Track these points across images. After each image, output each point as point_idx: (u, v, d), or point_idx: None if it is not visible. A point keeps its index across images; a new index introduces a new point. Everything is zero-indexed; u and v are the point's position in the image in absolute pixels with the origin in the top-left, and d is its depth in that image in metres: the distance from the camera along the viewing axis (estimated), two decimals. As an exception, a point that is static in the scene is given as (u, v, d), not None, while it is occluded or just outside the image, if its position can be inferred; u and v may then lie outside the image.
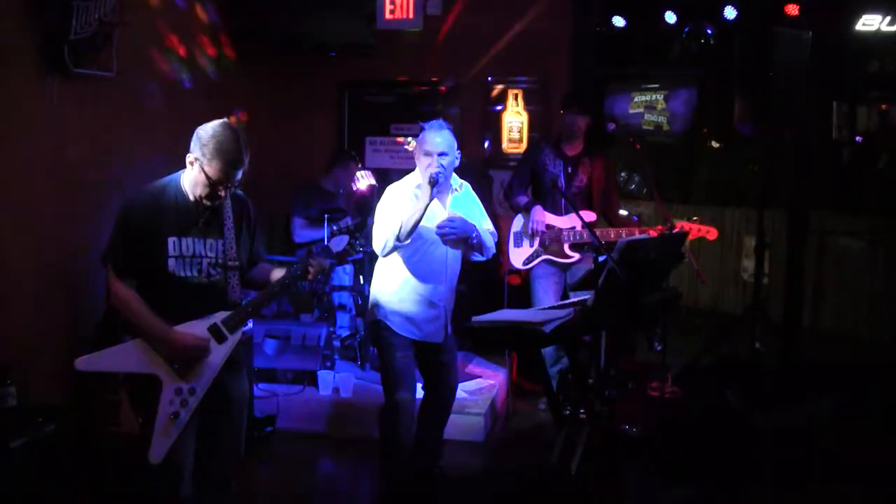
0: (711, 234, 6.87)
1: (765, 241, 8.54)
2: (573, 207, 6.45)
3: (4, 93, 5.61)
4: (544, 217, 7.01)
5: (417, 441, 5.67)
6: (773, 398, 7.68)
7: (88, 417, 5.89)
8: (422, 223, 5.19)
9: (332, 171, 8.49)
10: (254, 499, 5.85)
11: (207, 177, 4.01)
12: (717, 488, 5.79)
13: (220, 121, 4.08)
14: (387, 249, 5.28)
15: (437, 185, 5.16)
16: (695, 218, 6.93)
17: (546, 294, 7.04)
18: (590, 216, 6.95)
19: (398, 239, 5.18)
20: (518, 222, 7.22)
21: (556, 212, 7.04)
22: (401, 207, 5.26)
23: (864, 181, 10.77)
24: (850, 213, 10.19)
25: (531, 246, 7.08)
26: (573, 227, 6.95)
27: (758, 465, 6.18)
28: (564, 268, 7.11)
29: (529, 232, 7.02)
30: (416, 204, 5.20)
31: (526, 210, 7.10)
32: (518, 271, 7.39)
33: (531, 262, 7.08)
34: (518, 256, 7.15)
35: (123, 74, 6.39)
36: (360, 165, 8.76)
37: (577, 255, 7.00)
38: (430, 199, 5.18)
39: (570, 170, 7.11)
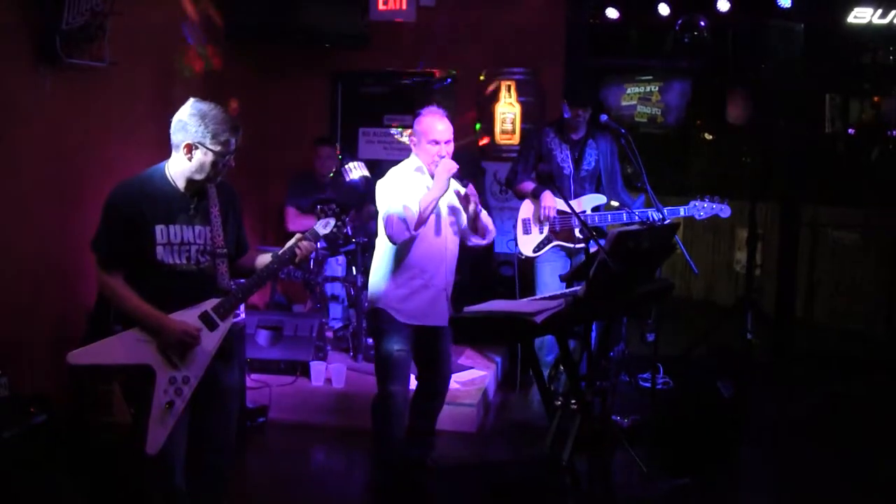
0: (725, 211, 6.90)
1: (757, 233, 8.57)
2: (561, 193, 6.45)
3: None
4: (555, 203, 6.94)
5: (410, 431, 5.70)
6: (766, 390, 7.71)
7: (81, 408, 5.90)
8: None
9: (314, 160, 8.60)
10: (246, 489, 5.86)
11: (215, 154, 4.02)
12: (708, 479, 5.80)
13: (193, 101, 4.08)
14: (399, 238, 5.28)
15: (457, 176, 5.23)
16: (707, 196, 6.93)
17: (553, 279, 6.94)
18: (599, 199, 6.97)
19: (413, 229, 5.22)
20: (526, 209, 7.15)
21: (565, 197, 6.80)
22: (405, 194, 5.29)
23: (857, 173, 10.77)
24: (843, 205, 10.20)
25: (540, 232, 7.04)
26: (583, 212, 6.87)
27: (749, 457, 6.20)
28: (572, 253, 7.07)
29: (541, 218, 6.96)
30: (428, 196, 5.25)
31: (535, 196, 7.05)
32: (511, 262, 7.35)
33: (541, 248, 7.04)
34: (527, 244, 7.09)
35: (116, 65, 6.38)
36: (336, 149, 8.84)
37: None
38: (444, 191, 5.23)
39: (577, 154, 7.09)
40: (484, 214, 5.50)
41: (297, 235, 4.43)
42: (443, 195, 5.26)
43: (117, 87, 6.69)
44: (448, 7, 9.23)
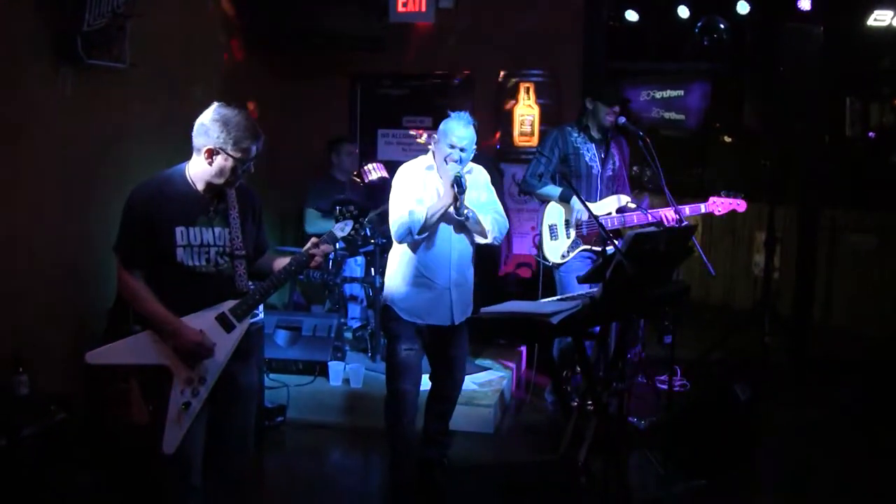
0: (741, 206, 6.81)
1: (776, 237, 8.54)
2: (588, 193, 6.36)
3: (18, 84, 5.65)
4: (587, 207, 6.46)
5: (425, 432, 5.75)
6: (782, 393, 7.69)
7: (100, 406, 5.93)
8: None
9: (332, 160, 8.62)
10: (263, 488, 5.89)
11: (236, 160, 4.04)
12: (724, 482, 5.79)
13: (217, 106, 4.09)
14: (402, 239, 5.35)
15: (461, 188, 5.22)
16: (722, 192, 6.86)
17: (578, 285, 6.42)
18: (624, 199, 6.78)
19: (416, 234, 5.28)
20: (553, 214, 6.85)
21: (591, 199, 6.74)
22: (413, 193, 5.36)
23: (875, 177, 10.72)
24: (862, 209, 10.16)
25: (568, 237, 6.78)
26: (609, 214, 6.68)
27: (765, 460, 6.19)
28: (599, 257, 6.69)
29: (577, 222, 6.71)
30: (437, 203, 5.31)
31: (564, 200, 6.77)
32: (529, 264, 7.26)
33: (569, 254, 6.76)
34: (555, 250, 6.82)
35: (136, 66, 6.43)
36: (354, 147, 8.88)
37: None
38: (452, 202, 5.25)
39: (603, 154, 6.87)
40: (489, 218, 5.49)
41: (313, 240, 4.44)
42: (451, 203, 5.27)
43: (137, 88, 6.73)
44: (467, 9, 9.24)
